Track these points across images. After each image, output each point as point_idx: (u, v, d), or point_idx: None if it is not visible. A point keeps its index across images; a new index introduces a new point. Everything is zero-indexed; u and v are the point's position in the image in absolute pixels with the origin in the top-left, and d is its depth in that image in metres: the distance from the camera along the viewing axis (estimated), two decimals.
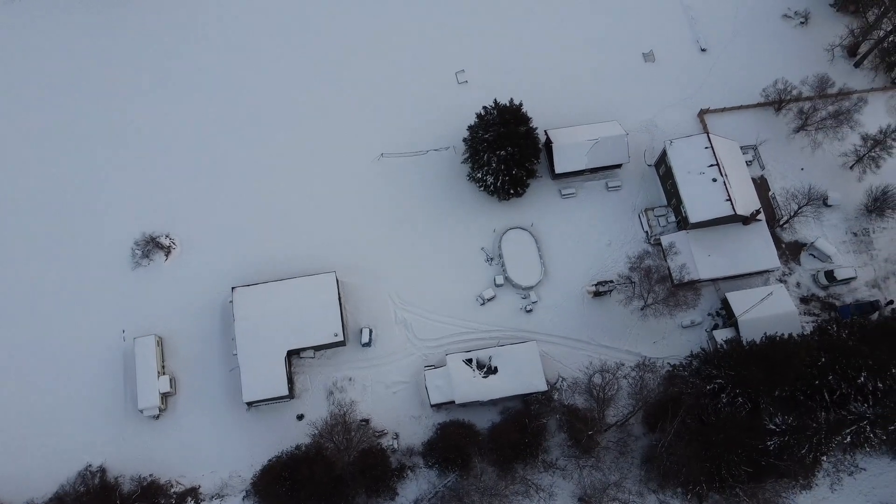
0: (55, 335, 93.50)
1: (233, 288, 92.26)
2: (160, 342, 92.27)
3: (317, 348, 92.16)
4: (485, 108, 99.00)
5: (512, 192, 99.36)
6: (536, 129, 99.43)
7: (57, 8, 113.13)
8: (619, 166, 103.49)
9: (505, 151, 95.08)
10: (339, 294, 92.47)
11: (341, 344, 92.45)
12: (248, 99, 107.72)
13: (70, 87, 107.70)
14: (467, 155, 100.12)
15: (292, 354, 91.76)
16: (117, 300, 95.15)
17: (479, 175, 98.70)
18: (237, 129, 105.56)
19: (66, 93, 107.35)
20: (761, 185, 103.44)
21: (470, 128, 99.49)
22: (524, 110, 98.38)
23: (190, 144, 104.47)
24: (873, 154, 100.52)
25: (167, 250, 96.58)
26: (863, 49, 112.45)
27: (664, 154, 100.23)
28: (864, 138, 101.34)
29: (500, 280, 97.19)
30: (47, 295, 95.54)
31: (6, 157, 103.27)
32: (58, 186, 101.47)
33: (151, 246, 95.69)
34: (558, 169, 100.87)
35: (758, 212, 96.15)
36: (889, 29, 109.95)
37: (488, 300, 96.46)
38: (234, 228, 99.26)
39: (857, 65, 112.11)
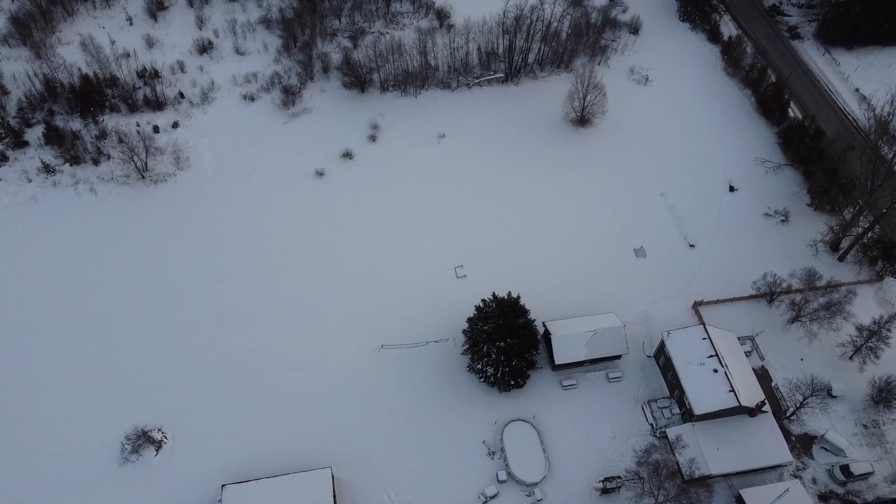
0: None
1: (222, 486, 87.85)
2: None
3: None
4: (483, 300, 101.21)
5: (512, 383, 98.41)
6: (534, 320, 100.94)
7: (38, 214, 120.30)
8: (618, 357, 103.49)
9: (504, 343, 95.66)
10: (333, 492, 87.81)
11: None
12: (246, 290, 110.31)
13: (68, 282, 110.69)
14: (467, 346, 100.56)
15: None
16: (101, 502, 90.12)
17: (480, 366, 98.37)
18: (233, 320, 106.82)
19: (64, 286, 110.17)
20: (763, 376, 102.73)
21: (469, 320, 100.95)
22: (522, 303, 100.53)
23: (186, 336, 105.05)
24: (871, 345, 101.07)
25: (158, 445, 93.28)
26: (844, 244, 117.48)
27: (662, 345, 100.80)
28: (859, 329, 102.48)
29: (502, 476, 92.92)
30: (30, 494, 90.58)
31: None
32: (50, 378, 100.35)
33: (143, 441, 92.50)
34: (558, 360, 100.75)
35: (763, 403, 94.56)
36: (866, 226, 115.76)
37: (491, 498, 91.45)
38: (228, 421, 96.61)
39: (841, 259, 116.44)
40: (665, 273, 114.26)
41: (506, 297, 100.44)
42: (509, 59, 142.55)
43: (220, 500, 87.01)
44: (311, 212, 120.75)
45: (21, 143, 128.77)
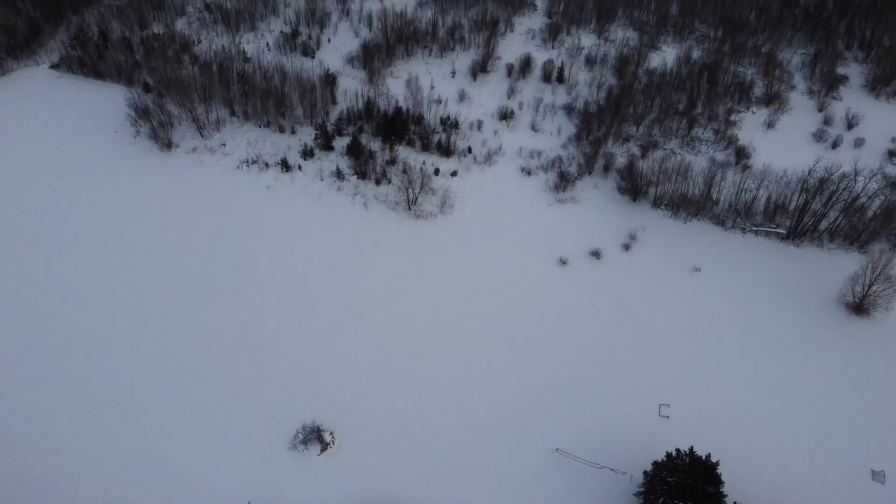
0: (188, 479, 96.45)
1: None
2: None
3: None
4: (678, 450, 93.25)
5: None
6: (726, 496, 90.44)
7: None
8: None
9: None
10: None
11: None
12: (455, 342, 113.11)
13: (312, 274, 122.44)
14: (642, 490, 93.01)
15: None
16: (260, 473, 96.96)
17: None
18: (435, 365, 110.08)
19: (307, 277, 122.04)
20: None
21: (655, 464, 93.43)
22: (719, 471, 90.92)
23: (394, 359, 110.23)
24: None
25: (325, 446, 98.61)
26: None
27: None
28: None
29: None
30: (197, 437, 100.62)
31: (200, 312, 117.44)
32: (265, 349, 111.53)
33: (314, 436, 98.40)
34: None
35: None
36: None
37: None
38: (393, 457, 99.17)
39: None
40: None
41: (702, 457, 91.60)
42: (798, 218, 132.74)
43: None
44: (543, 293, 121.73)
45: (328, 147, 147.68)
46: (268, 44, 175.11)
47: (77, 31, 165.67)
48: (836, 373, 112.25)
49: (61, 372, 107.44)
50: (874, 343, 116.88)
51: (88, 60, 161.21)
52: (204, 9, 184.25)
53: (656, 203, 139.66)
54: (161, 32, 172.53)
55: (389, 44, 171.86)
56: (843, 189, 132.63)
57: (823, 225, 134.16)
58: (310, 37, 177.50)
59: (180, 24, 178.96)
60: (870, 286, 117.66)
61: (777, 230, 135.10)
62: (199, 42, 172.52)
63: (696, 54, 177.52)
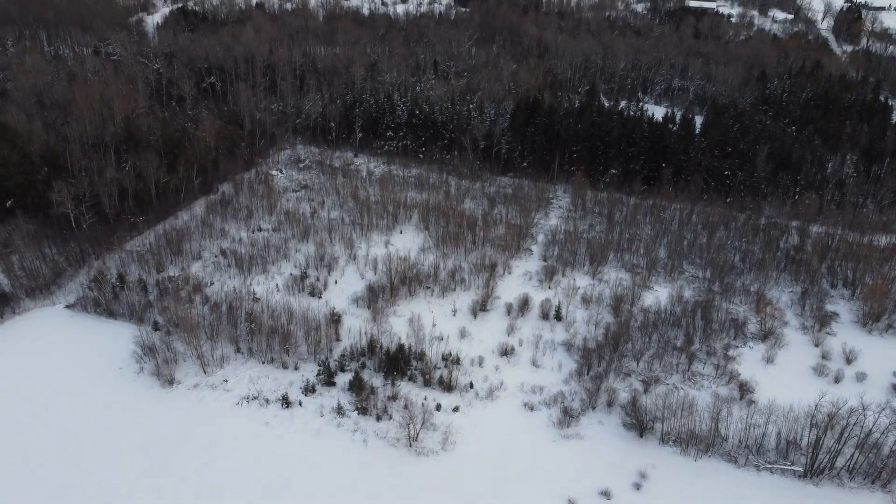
0: None
1: None
2: None
3: None
4: None
5: None
6: None
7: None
8: None
9: None
10: None
11: None
12: None
13: None
14: None
15: None
16: None
17: None
18: None
19: None
20: None
21: None
22: None
23: None
24: None
25: None
26: None
27: None
28: None
29: None
30: None
31: None
32: None
33: None
34: None
35: None
36: None
37: None
38: None
39: None
40: None
41: None
42: (812, 455, 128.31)
43: None
44: None
45: (330, 383, 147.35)
46: (277, 285, 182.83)
47: (97, 274, 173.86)
48: None
49: None
50: None
51: (103, 301, 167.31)
52: (220, 254, 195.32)
53: (664, 439, 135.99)
54: (176, 275, 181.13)
55: (393, 285, 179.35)
56: (854, 424, 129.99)
57: (840, 462, 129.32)
58: (318, 279, 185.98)
59: (195, 268, 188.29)
60: None
61: (793, 468, 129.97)
62: (212, 283, 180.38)
63: (687, 293, 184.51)
